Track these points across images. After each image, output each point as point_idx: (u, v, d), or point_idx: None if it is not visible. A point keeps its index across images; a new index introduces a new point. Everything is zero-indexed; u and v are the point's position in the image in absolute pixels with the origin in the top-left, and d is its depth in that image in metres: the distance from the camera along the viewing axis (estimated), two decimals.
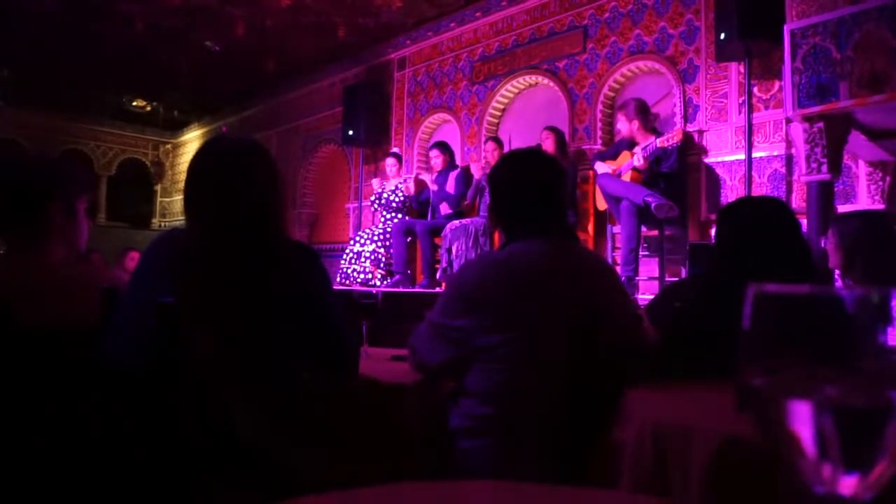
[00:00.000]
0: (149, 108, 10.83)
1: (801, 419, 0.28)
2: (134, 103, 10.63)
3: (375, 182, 5.84)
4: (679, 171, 4.08)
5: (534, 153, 1.65)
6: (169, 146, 11.60)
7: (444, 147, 5.58)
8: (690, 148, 4.42)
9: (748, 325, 0.39)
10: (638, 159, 3.95)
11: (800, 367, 0.33)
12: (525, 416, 1.36)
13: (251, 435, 1.22)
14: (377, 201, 5.65)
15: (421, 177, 6.00)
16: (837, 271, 2.18)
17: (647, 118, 4.28)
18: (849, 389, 0.30)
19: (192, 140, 11.02)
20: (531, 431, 1.36)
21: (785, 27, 3.06)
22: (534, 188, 1.49)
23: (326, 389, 1.37)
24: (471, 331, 1.39)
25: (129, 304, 1.31)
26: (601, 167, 4.32)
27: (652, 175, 3.96)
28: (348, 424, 1.46)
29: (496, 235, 4.37)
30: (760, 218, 1.48)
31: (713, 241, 1.62)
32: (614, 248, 4.36)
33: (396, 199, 5.56)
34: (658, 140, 3.92)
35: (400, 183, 5.64)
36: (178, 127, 11.27)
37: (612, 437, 1.15)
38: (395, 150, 6.38)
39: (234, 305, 1.25)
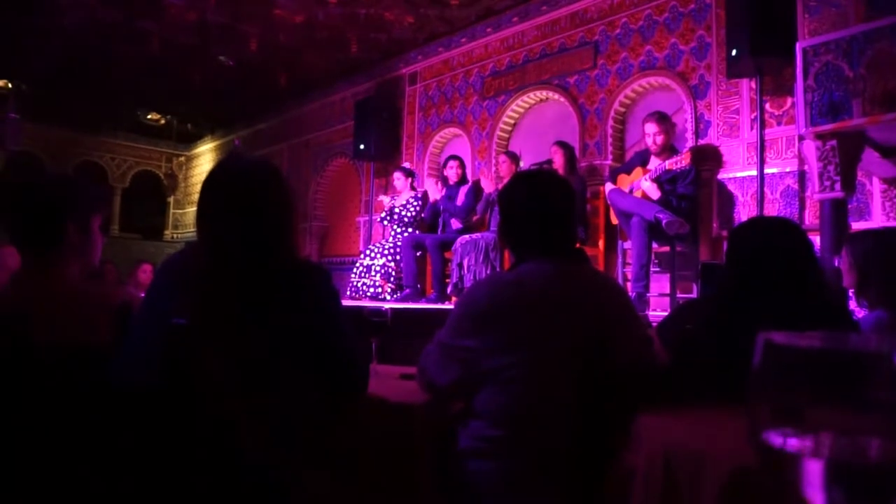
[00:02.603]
0: (163, 122, 10.99)
1: (812, 479, 0.28)
2: (148, 116, 10.78)
3: (386, 199, 5.83)
4: (694, 192, 4.06)
5: (544, 175, 1.65)
6: (182, 159, 11.73)
7: (461, 160, 5.59)
8: (702, 164, 4.40)
9: (757, 368, 0.39)
10: (646, 181, 3.95)
11: (810, 414, 0.33)
12: (534, 439, 1.35)
13: (257, 455, 1.22)
14: (388, 216, 5.65)
15: (427, 190, 5.99)
16: (851, 291, 2.15)
17: (672, 134, 4.25)
18: (859, 443, 0.30)
19: (205, 153, 11.13)
20: (540, 455, 1.34)
21: (797, 45, 3.05)
22: (544, 211, 1.48)
23: (334, 410, 1.37)
24: (479, 351, 1.38)
25: (142, 324, 1.32)
26: (608, 187, 4.32)
27: (667, 195, 3.94)
28: (355, 444, 1.46)
29: (506, 252, 4.36)
30: (772, 241, 1.46)
31: (724, 261, 1.60)
32: (625, 263, 4.34)
33: (408, 214, 5.57)
34: (667, 163, 3.91)
35: (412, 197, 5.65)
36: (192, 140, 11.40)
37: (623, 462, 1.14)
38: (405, 164, 6.40)
39: (242, 326, 1.26)
